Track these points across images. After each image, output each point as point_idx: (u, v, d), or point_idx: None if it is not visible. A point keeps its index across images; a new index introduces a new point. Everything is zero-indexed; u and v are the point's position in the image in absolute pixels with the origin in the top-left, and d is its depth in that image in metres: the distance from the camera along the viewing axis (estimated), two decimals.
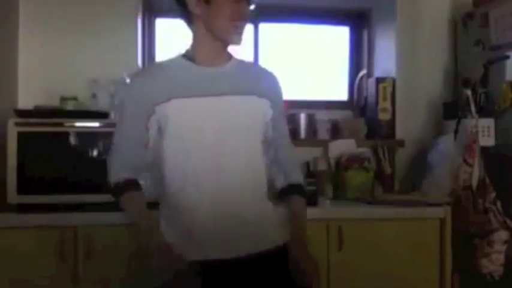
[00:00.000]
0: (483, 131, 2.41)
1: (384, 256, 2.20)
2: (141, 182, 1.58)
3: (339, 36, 3.19)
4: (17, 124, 2.06)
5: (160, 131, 1.51)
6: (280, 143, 1.67)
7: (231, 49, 1.60)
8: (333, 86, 3.17)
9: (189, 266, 1.38)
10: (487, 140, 2.42)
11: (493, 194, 2.27)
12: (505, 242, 2.24)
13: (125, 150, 1.55)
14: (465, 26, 2.76)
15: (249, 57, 2.99)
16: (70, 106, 2.39)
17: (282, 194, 1.66)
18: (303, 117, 2.80)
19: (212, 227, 1.47)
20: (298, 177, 1.69)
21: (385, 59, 2.98)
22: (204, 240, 1.47)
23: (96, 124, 2.14)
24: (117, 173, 1.55)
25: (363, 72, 3.10)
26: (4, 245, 1.95)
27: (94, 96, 2.49)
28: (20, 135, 2.06)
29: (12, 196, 2.06)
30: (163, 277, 1.38)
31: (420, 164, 2.71)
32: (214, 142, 1.48)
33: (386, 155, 2.78)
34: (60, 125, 2.11)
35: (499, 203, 2.26)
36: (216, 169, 1.47)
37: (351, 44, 3.18)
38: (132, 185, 1.55)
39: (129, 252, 1.97)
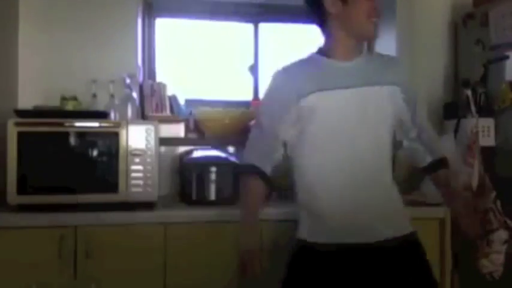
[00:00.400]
0: (483, 131, 2.42)
1: None
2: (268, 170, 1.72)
3: None
4: (17, 124, 2.06)
5: (300, 121, 1.64)
6: (420, 122, 1.80)
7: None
8: None
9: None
10: (487, 140, 2.42)
11: (493, 194, 2.26)
12: (505, 241, 2.23)
13: (260, 142, 1.72)
14: (465, 26, 2.76)
15: (249, 57, 3.01)
16: (70, 106, 2.39)
17: (428, 169, 1.85)
18: None
19: (346, 212, 1.61)
20: (440, 153, 1.85)
21: None
22: (337, 225, 1.62)
23: (96, 124, 2.13)
24: (249, 159, 1.72)
25: None
26: (4, 245, 1.95)
27: (94, 96, 2.50)
28: (20, 135, 2.05)
29: (12, 196, 2.05)
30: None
31: None
32: (349, 131, 1.62)
33: None
34: (60, 125, 2.10)
35: (499, 203, 2.25)
36: (349, 157, 1.61)
37: None
38: (258, 173, 1.70)
39: (131, 252, 1.97)
